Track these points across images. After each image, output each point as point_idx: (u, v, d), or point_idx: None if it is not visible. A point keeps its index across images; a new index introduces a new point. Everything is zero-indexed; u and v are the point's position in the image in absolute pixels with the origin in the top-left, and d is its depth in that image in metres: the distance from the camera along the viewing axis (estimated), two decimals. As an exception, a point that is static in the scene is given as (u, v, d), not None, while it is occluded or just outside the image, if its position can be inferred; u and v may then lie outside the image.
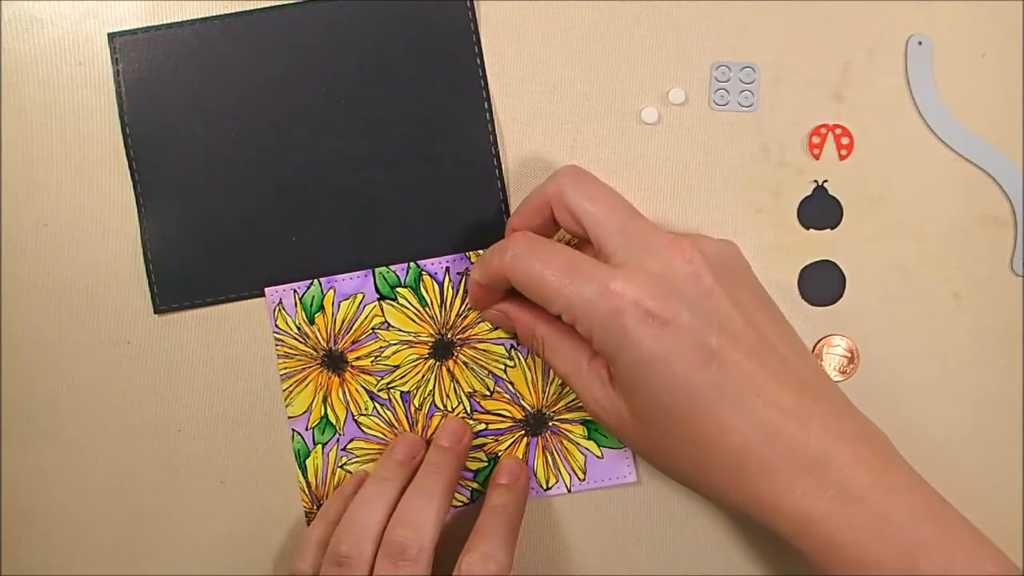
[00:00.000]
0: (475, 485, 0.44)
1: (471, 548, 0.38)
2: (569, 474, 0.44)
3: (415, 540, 0.38)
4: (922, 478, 0.37)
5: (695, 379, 0.35)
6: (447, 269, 0.43)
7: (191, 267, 0.44)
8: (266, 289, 0.44)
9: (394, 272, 0.44)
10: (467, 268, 0.43)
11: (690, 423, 0.36)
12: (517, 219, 0.41)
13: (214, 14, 0.44)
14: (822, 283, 0.44)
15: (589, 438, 0.44)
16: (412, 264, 0.44)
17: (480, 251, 0.43)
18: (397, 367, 0.44)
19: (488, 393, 0.44)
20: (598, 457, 0.44)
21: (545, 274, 0.37)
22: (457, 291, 0.43)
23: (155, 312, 0.44)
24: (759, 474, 0.35)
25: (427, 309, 0.44)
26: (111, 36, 0.44)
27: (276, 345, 0.44)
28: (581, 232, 0.38)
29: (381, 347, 0.44)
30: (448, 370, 0.44)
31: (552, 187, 0.39)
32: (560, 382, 0.44)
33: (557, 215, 0.39)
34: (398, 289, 0.44)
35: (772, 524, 0.36)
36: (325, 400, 0.44)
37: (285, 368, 0.44)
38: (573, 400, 0.44)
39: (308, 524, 0.44)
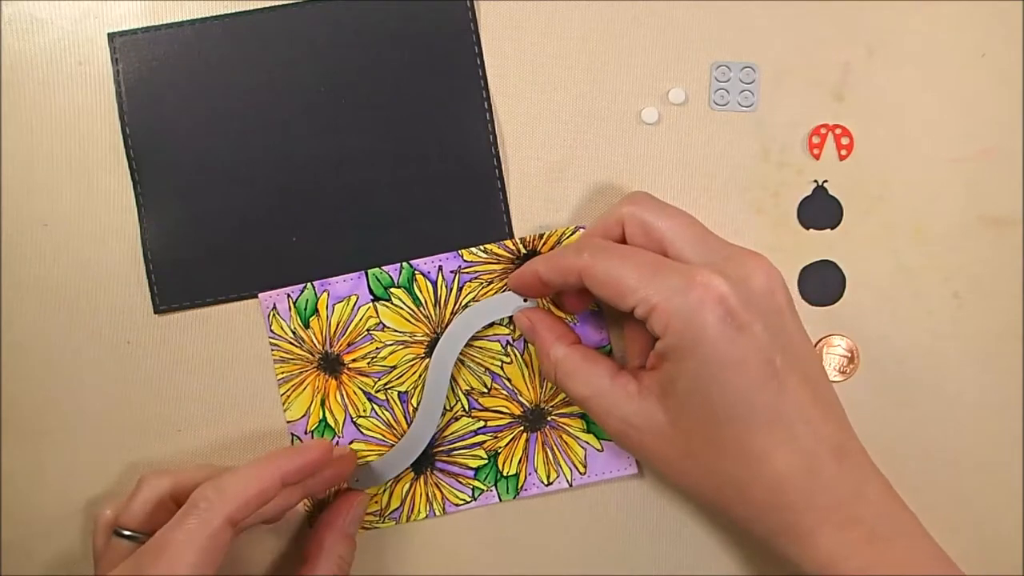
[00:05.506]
0: (476, 483, 0.44)
1: None
2: (570, 468, 0.44)
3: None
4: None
5: (756, 394, 0.35)
6: (440, 268, 0.43)
7: (191, 267, 0.44)
8: (260, 295, 0.44)
9: (387, 273, 0.44)
10: (459, 266, 0.43)
11: (741, 440, 0.35)
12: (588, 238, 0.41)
13: (214, 14, 0.44)
14: (822, 283, 0.44)
15: (588, 431, 0.44)
16: (405, 264, 0.44)
17: (473, 248, 0.43)
18: (394, 367, 0.44)
19: (486, 390, 0.44)
20: (598, 450, 0.44)
21: (624, 269, 0.36)
22: (451, 289, 0.43)
23: (155, 312, 0.44)
24: (795, 503, 0.35)
25: (421, 309, 0.44)
26: (111, 36, 0.44)
27: (272, 350, 0.44)
28: (655, 248, 0.38)
29: (377, 348, 0.44)
30: (445, 369, 0.44)
31: (627, 207, 0.39)
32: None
33: (629, 233, 0.39)
34: (392, 290, 0.44)
35: (798, 557, 0.36)
36: (323, 403, 0.44)
37: (282, 373, 0.44)
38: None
39: (310, 526, 0.44)
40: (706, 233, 0.38)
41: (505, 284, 0.43)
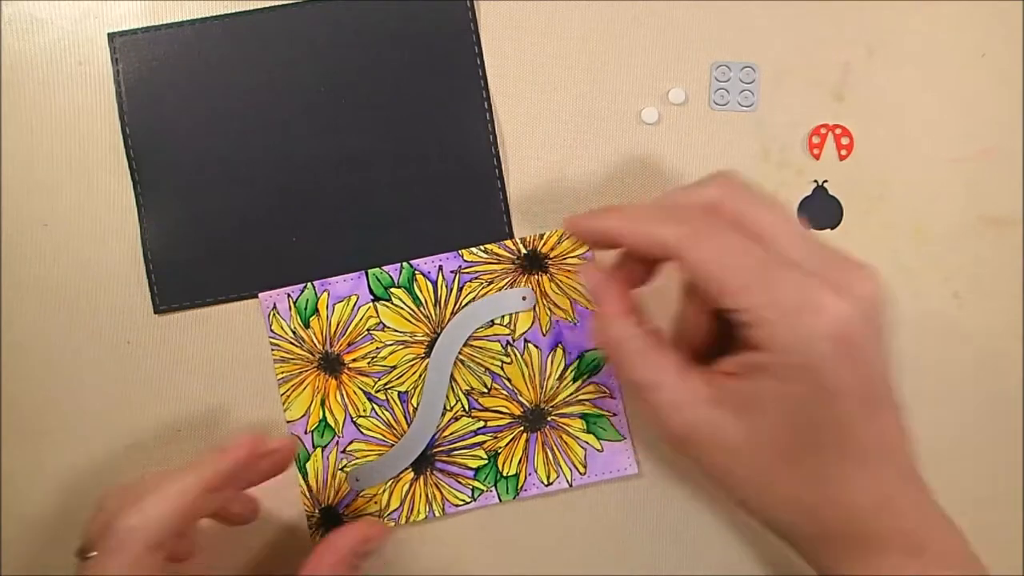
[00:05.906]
0: (476, 483, 0.44)
1: None
2: (570, 468, 0.44)
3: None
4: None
5: (858, 424, 0.33)
6: (440, 268, 0.43)
7: (191, 267, 0.44)
8: (260, 294, 0.44)
9: (387, 273, 0.44)
10: (460, 266, 0.43)
11: (828, 466, 0.33)
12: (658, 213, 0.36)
13: (214, 14, 0.44)
14: (822, 283, 0.44)
15: (588, 431, 0.44)
16: (405, 264, 0.44)
17: (473, 248, 0.43)
18: (394, 367, 0.44)
19: (486, 390, 0.44)
20: (598, 451, 0.44)
21: (739, 266, 0.33)
22: (451, 289, 0.43)
23: (155, 312, 0.44)
24: (868, 531, 0.34)
25: (422, 308, 0.44)
26: (111, 36, 0.44)
27: (272, 350, 0.44)
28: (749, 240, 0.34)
29: (377, 348, 0.44)
30: (446, 369, 0.44)
31: (715, 189, 0.35)
32: (558, 376, 0.44)
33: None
34: (392, 289, 0.44)
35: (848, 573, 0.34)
36: (323, 403, 0.44)
37: (282, 372, 0.44)
38: (571, 395, 0.44)
39: (309, 527, 0.44)
40: (806, 233, 0.35)
41: (508, 281, 0.43)
